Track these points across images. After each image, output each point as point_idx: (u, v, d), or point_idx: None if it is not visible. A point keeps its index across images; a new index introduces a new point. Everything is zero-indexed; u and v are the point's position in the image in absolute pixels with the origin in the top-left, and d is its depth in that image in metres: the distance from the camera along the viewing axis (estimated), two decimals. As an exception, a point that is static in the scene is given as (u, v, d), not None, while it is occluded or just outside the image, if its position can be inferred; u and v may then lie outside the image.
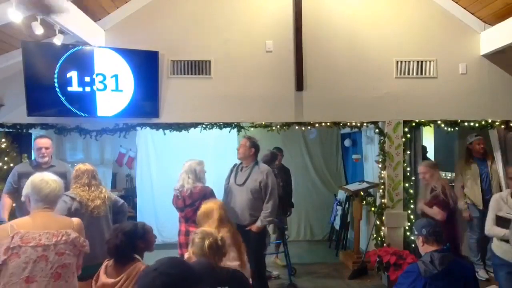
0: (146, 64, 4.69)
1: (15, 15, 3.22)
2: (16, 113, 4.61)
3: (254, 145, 4.13)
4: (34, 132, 4.95)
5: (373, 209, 5.26)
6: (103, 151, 7.35)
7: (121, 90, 4.61)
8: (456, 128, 5.14)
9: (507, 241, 3.24)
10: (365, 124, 5.20)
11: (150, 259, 2.00)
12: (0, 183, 4.33)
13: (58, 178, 2.45)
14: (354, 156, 6.67)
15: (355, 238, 5.55)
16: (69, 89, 4.39)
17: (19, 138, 4.84)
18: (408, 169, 5.04)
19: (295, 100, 5.01)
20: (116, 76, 4.57)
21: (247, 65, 4.97)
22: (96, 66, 4.47)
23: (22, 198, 2.41)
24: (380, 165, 5.15)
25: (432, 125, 5.29)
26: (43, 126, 4.81)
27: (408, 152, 5.08)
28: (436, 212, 3.79)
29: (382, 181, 5.12)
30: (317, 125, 5.08)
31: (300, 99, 5.01)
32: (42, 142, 4.07)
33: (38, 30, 3.52)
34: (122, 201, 3.76)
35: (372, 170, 5.88)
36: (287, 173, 5.68)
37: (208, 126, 4.98)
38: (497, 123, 5.06)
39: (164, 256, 1.60)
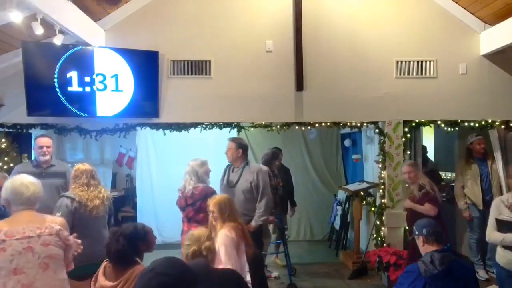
0: (146, 64, 4.69)
1: (15, 15, 3.23)
2: (16, 113, 4.61)
3: (241, 146, 4.09)
4: (34, 132, 4.95)
5: (373, 209, 5.27)
6: (103, 151, 7.36)
7: (121, 90, 4.61)
8: (456, 128, 5.14)
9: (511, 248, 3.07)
10: (365, 124, 5.20)
11: (149, 259, 1.99)
12: (0, 183, 4.33)
13: (35, 180, 2.46)
14: (354, 156, 6.67)
15: (355, 238, 5.55)
16: (69, 89, 4.39)
17: (19, 138, 4.85)
18: (408, 169, 5.04)
19: (295, 100, 5.01)
20: (116, 76, 4.57)
21: (247, 65, 4.97)
22: (96, 66, 4.47)
23: (2, 202, 2.42)
24: (380, 165, 5.15)
25: (432, 125, 5.29)
26: (43, 126, 4.81)
27: (408, 152, 5.08)
28: (429, 209, 3.84)
29: (382, 181, 5.12)
30: (317, 125, 5.08)
31: (300, 99, 5.01)
32: (43, 141, 4.08)
33: (38, 30, 3.52)
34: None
35: (372, 170, 5.88)
36: (287, 173, 5.68)
37: (208, 126, 4.98)
38: (497, 123, 5.06)
39: (164, 256, 1.60)
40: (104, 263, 2.29)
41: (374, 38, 5.06)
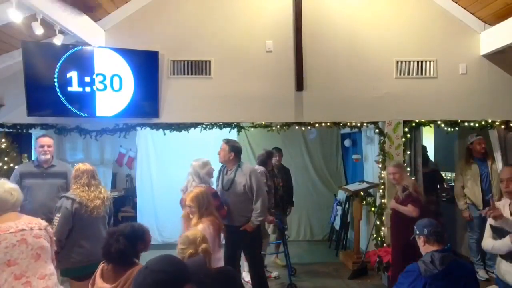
0: (146, 64, 4.69)
1: (15, 15, 3.23)
2: (16, 113, 4.61)
3: (234, 149, 4.04)
4: (34, 132, 4.96)
5: (373, 209, 5.27)
6: (103, 151, 7.36)
7: (121, 90, 4.60)
8: (456, 128, 5.14)
9: None
10: (365, 124, 5.20)
11: (148, 259, 1.99)
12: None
13: (15, 186, 2.62)
14: (354, 156, 6.67)
15: (355, 238, 5.55)
16: (69, 89, 4.39)
17: (19, 138, 4.84)
18: (408, 169, 5.04)
19: (295, 100, 5.01)
20: (116, 76, 4.57)
21: (247, 65, 4.97)
22: (96, 66, 4.47)
23: None
24: (380, 165, 5.15)
25: (432, 125, 5.29)
26: (43, 126, 4.81)
27: (408, 152, 5.08)
28: (411, 210, 3.85)
29: (382, 181, 5.12)
30: (317, 125, 5.08)
31: (300, 99, 5.01)
32: (44, 140, 4.11)
33: (38, 30, 3.52)
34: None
35: (372, 170, 5.88)
36: (287, 173, 5.69)
37: (208, 126, 4.98)
38: (497, 123, 5.06)
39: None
40: (101, 265, 2.25)
41: (374, 38, 5.06)
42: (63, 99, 4.37)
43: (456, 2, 5.00)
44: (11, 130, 4.75)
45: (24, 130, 4.83)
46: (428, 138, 6.61)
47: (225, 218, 3.92)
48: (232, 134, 5.41)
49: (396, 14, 5.09)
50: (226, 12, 4.97)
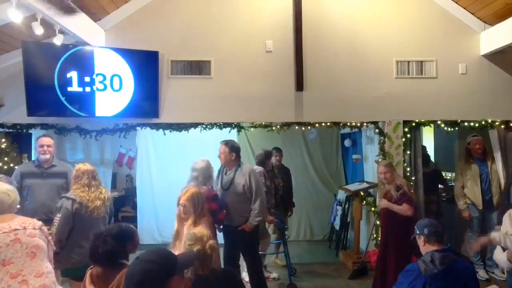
0: (146, 64, 4.69)
1: (15, 15, 3.23)
2: (16, 113, 4.61)
3: (234, 150, 4.04)
4: (34, 132, 4.95)
5: (373, 209, 5.27)
6: (103, 151, 7.36)
7: (121, 90, 4.60)
8: (456, 128, 5.14)
9: None
10: (365, 124, 5.20)
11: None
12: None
13: (12, 187, 2.65)
14: (354, 156, 6.67)
15: (355, 238, 5.55)
16: (69, 89, 4.39)
17: (19, 138, 4.85)
18: (408, 169, 5.04)
19: (295, 100, 5.01)
20: (116, 76, 4.57)
21: (247, 65, 4.97)
22: (96, 66, 4.48)
23: None
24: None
25: (432, 125, 5.29)
26: (43, 126, 4.82)
27: (408, 152, 5.08)
28: (406, 209, 3.87)
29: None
30: (317, 125, 5.08)
31: (300, 99, 5.01)
32: (45, 140, 4.10)
33: (38, 30, 3.52)
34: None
35: (372, 170, 5.87)
36: (287, 173, 5.68)
37: (208, 126, 4.98)
38: (497, 123, 5.06)
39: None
40: (89, 271, 2.20)
41: (374, 38, 5.06)
42: (63, 99, 4.38)
43: (456, 2, 5.00)
44: (11, 130, 4.76)
45: (24, 130, 4.83)
46: (428, 138, 6.61)
47: (223, 221, 3.93)
48: (232, 134, 5.40)
49: (396, 14, 5.09)
50: (226, 12, 4.97)
